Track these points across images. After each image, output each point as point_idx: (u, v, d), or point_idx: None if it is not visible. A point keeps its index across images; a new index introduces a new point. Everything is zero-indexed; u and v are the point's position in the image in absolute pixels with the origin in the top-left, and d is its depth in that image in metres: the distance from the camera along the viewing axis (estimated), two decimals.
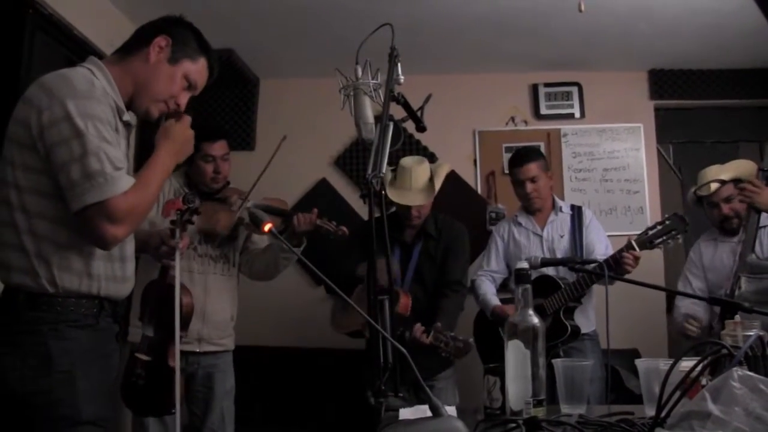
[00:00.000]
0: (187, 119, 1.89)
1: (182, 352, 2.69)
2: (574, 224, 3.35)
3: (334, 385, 3.89)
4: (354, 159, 4.60)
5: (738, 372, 0.92)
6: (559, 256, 3.29)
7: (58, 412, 1.63)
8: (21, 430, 1.64)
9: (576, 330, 3.15)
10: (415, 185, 3.21)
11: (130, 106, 1.83)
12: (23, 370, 1.61)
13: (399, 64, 1.84)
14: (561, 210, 3.41)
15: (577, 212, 3.40)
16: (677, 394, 1.26)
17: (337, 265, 3.26)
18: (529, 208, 3.41)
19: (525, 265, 1.51)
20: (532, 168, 3.31)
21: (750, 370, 1.17)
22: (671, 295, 3.66)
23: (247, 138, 4.55)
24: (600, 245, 3.26)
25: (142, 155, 3.62)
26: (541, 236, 3.38)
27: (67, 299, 1.67)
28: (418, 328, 2.98)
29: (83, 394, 1.66)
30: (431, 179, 3.26)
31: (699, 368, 1.12)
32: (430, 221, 3.31)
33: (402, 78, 1.85)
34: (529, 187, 3.32)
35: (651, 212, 4.39)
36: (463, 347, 2.91)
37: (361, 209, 4.55)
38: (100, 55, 1.89)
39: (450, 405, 1.44)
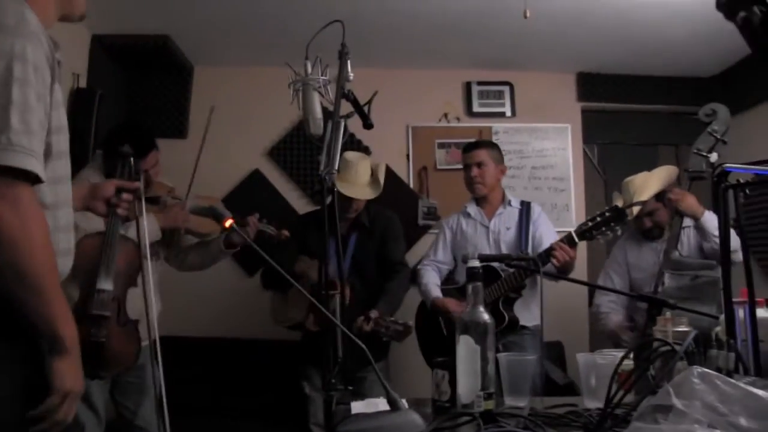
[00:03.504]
0: None
1: None
2: (521, 218, 3.41)
3: (268, 376, 3.89)
4: (288, 150, 4.57)
5: (697, 369, 0.99)
6: (504, 248, 3.36)
7: None
8: None
9: (514, 321, 3.20)
10: (360, 180, 3.34)
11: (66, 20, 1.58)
12: None
13: (349, 62, 1.86)
14: (510, 204, 3.47)
15: (526, 207, 3.47)
16: (613, 386, 1.35)
17: (274, 260, 3.26)
18: (472, 193, 3.47)
19: (476, 263, 1.56)
20: (481, 154, 3.42)
21: (689, 364, 1.26)
22: (594, 290, 3.81)
23: (180, 126, 4.45)
24: (548, 239, 3.31)
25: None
26: (487, 228, 3.43)
27: None
28: (359, 320, 3.09)
29: None
30: (372, 175, 3.39)
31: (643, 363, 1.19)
32: (363, 213, 3.43)
33: (352, 75, 1.87)
34: (475, 171, 3.39)
35: (576, 210, 4.57)
36: (403, 330, 3.05)
37: (295, 201, 4.53)
38: None
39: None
